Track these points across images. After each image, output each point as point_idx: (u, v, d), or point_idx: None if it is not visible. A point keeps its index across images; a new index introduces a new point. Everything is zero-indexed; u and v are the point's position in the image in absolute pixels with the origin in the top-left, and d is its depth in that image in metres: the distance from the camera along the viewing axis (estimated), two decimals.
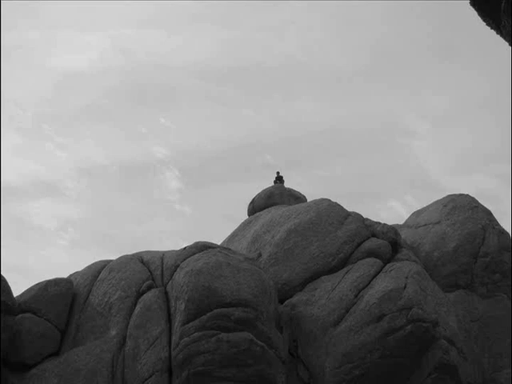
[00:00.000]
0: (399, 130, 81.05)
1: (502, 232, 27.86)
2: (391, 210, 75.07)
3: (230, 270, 23.33)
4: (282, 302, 24.78)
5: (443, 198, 30.20)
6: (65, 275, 27.49)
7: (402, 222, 30.97)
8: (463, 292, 26.29)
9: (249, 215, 32.55)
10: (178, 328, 22.53)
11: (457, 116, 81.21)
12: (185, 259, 24.44)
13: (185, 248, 25.43)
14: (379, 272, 24.68)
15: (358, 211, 27.91)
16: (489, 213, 28.57)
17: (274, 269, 25.86)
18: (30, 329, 24.48)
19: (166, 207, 78.02)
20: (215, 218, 75.80)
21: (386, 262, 25.40)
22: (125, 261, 26.07)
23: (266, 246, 27.16)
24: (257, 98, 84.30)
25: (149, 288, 24.47)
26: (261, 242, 27.69)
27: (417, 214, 30.75)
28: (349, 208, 28.00)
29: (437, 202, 30.12)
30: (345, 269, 25.26)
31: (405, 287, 23.51)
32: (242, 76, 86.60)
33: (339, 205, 28.02)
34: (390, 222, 28.96)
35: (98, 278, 25.85)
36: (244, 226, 31.05)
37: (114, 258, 27.14)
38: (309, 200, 30.93)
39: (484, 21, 10.28)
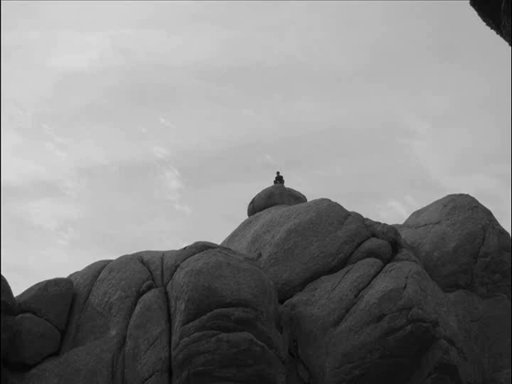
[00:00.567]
0: (399, 130, 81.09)
1: (502, 232, 27.86)
2: (391, 210, 75.10)
3: (229, 269, 23.33)
4: (281, 302, 24.78)
5: (443, 198, 30.20)
6: (65, 275, 27.50)
7: (401, 222, 30.98)
8: (463, 292, 26.29)
9: (249, 215, 32.55)
10: (178, 328, 22.53)
11: (457, 116, 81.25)
12: (185, 259, 24.44)
13: (185, 248, 25.43)
14: (379, 272, 24.69)
15: (358, 211, 27.92)
16: (489, 213, 28.57)
17: (273, 269, 25.86)
18: (30, 329, 24.48)
19: (166, 207, 78.06)
20: (215, 218, 75.86)
21: (386, 262, 25.40)
22: (125, 261, 26.08)
23: (266, 245, 27.16)
24: (257, 98, 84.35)
25: (149, 288, 24.47)
26: (261, 241, 27.69)
27: (417, 214, 30.75)
28: (349, 208, 28.03)
29: (437, 202, 30.12)
30: (345, 269, 25.26)
31: (405, 287, 23.51)
32: (241, 76, 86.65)
33: (339, 205, 28.02)
34: (390, 222, 28.97)
35: (98, 278, 25.86)
36: (244, 225, 31.06)
37: (113, 258, 27.16)
38: (309, 200, 30.94)
39: (484, 21, 10.28)
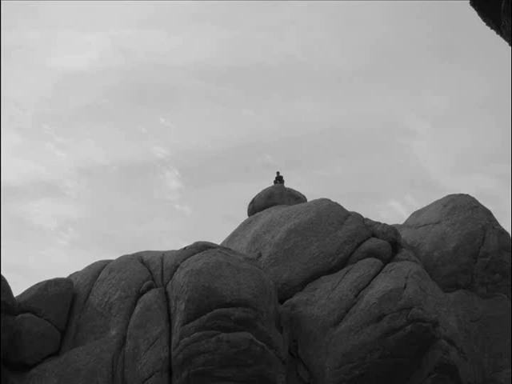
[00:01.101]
0: (399, 130, 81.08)
1: (502, 232, 27.86)
2: (391, 210, 75.10)
3: (229, 269, 23.33)
4: (281, 302, 24.78)
5: (443, 198, 30.20)
6: (65, 275, 27.50)
7: (402, 222, 30.98)
8: (463, 292, 26.29)
9: (249, 215, 32.55)
10: (178, 328, 22.53)
11: (457, 116, 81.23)
12: (185, 259, 24.44)
13: (185, 248, 25.43)
14: (379, 272, 24.69)
15: (358, 211, 27.92)
16: (489, 213, 28.57)
17: (273, 269, 25.86)
18: (30, 329, 24.48)
19: (166, 207, 78.05)
20: (215, 218, 75.84)
21: (386, 262, 25.40)
22: (125, 261, 26.08)
23: (266, 245, 27.16)
24: (257, 98, 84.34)
25: (149, 288, 24.48)
26: (261, 241, 27.69)
27: (417, 214, 30.75)
28: (349, 208, 28.03)
29: (437, 202, 30.12)
30: (345, 269, 25.26)
31: (405, 287, 23.51)
32: (241, 76, 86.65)
33: (339, 205, 28.02)
34: (390, 222, 28.97)
35: (98, 278, 25.86)
36: (244, 225, 31.06)
37: (114, 258, 27.16)
38: (309, 200, 30.93)
39: (484, 21, 10.28)
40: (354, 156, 78.47)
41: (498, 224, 28.23)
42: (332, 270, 25.41)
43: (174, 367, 22.22)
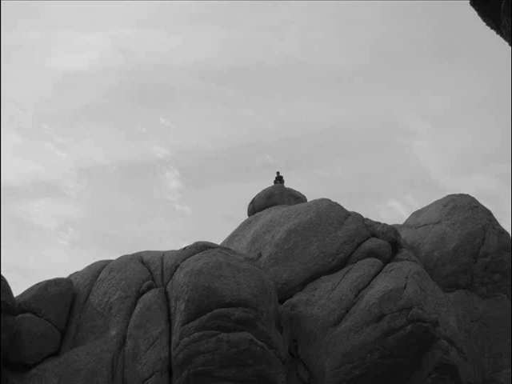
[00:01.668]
0: (399, 130, 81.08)
1: (502, 232, 27.86)
2: (391, 210, 75.09)
3: (229, 269, 23.33)
4: (281, 302, 24.78)
5: (443, 198, 30.20)
6: (65, 275, 27.49)
7: (402, 222, 30.98)
8: (463, 292, 26.29)
9: (249, 215, 32.55)
10: (178, 328, 22.53)
11: (457, 116, 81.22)
12: (185, 259, 24.44)
13: (185, 248, 25.43)
14: (379, 272, 24.69)
15: (358, 211, 27.92)
16: (489, 213, 28.57)
17: (273, 269, 25.86)
18: (30, 329, 24.47)
19: (166, 207, 78.04)
20: (215, 217, 75.83)
21: (386, 261, 25.40)
22: (125, 261, 26.08)
23: (266, 246, 27.16)
24: (257, 98, 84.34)
25: (149, 288, 24.47)
26: (261, 241, 27.69)
27: (417, 214, 30.75)
28: (349, 208, 28.03)
29: (437, 202, 30.12)
30: (345, 269, 25.26)
31: (405, 287, 23.52)
32: (242, 76, 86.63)
33: (339, 205, 28.02)
34: (390, 222, 28.97)
35: (98, 278, 25.86)
36: (244, 225, 31.05)
37: (114, 258, 27.15)
38: (309, 200, 30.93)
39: (484, 21, 10.28)
40: (354, 156, 78.52)
41: (498, 224, 28.24)
42: (332, 270, 25.41)
43: (174, 367, 22.22)
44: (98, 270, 26.36)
